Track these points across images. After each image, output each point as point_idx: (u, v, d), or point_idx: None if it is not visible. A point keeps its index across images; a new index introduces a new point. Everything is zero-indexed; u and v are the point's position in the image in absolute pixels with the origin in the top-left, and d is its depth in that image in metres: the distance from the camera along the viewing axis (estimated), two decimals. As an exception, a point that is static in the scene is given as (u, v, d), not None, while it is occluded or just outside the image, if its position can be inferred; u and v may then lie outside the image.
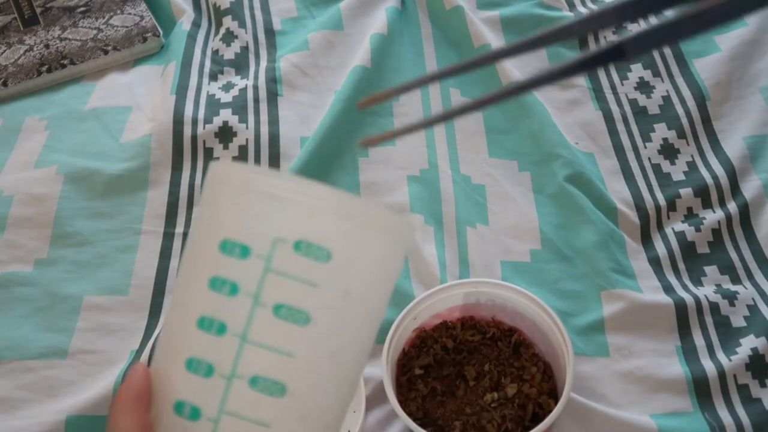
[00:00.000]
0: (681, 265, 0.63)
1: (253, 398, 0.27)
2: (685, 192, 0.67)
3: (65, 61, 0.79)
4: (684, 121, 0.72)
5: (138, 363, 0.40)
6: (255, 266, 0.27)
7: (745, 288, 0.61)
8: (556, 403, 0.50)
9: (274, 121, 0.73)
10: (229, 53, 0.80)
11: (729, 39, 0.77)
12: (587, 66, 0.27)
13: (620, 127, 0.73)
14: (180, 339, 0.29)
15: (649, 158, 0.71)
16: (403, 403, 0.52)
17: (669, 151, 0.70)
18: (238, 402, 0.27)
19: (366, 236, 0.28)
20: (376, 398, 0.54)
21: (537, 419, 0.51)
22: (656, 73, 0.77)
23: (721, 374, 0.56)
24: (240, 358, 0.27)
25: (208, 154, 0.70)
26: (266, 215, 0.27)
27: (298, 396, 0.28)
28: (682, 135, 0.71)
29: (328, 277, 0.27)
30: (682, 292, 0.61)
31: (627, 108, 0.75)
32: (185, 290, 0.29)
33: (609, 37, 0.82)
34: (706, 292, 0.61)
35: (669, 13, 0.26)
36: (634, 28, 0.81)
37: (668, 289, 0.61)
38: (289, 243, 0.27)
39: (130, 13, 0.84)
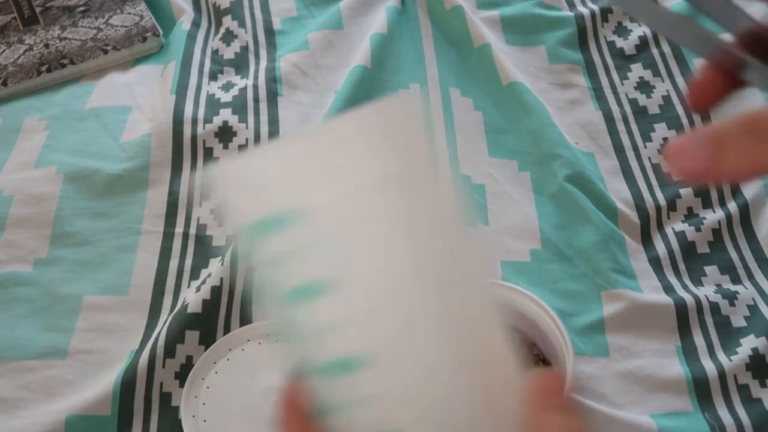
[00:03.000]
0: (681, 265, 0.63)
1: None
2: (686, 192, 0.67)
3: (65, 61, 0.79)
4: (684, 120, 0.72)
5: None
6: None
7: (746, 288, 0.61)
8: None
9: (274, 121, 0.73)
10: (228, 53, 0.80)
11: (729, 38, 0.77)
12: None
13: (620, 126, 0.73)
14: None
15: (650, 158, 0.71)
16: None
17: (669, 151, 0.70)
18: None
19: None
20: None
21: None
22: (656, 73, 0.77)
23: (722, 374, 0.56)
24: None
25: (208, 154, 0.70)
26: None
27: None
28: (682, 135, 0.71)
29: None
30: (682, 292, 0.61)
31: (627, 108, 0.75)
32: None
33: (609, 37, 0.82)
34: (707, 292, 0.61)
35: None
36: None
37: (668, 289, 0.61)
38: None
39: (129, 13, 0.84)
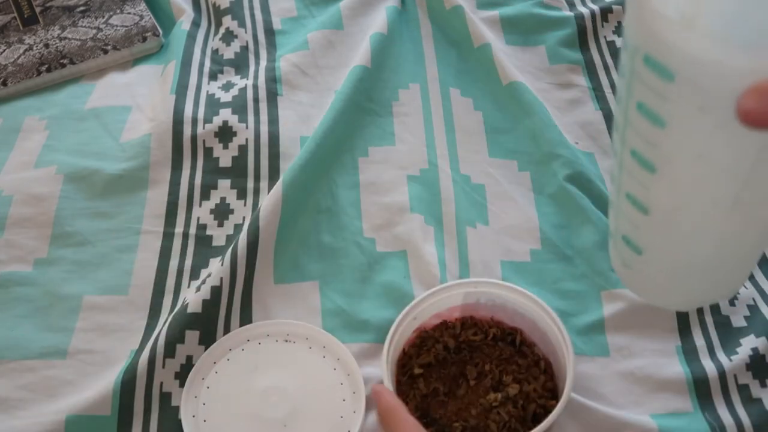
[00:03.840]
0: (681, 265, 0.63)
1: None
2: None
3: (65, 61, 0.79)
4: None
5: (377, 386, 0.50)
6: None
7: (746, 288, 0.61)
8: (557, 403, 0.50)
9: (274, 121, 0.73)
10: (228, 53, 0.80)
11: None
12: None
13: (620, 126, 0.73)
14: None
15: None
16: (403, 402, 0.52)
17: (669, 151, 0.70)
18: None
19: None
20: (376, 398, 0.54)
21: (538, 419, 0.51)
22: (656, 73, 0.77)
23: (722, 374, 0.56)
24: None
25: (208, 154, 0.70)
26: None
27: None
28: (682, 135, 0.71)
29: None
30: (682, 292, 0.61)
31: (627, 108, 0.75)
32: None
33: (609, 37, 0.82)
34: (707, 292, 0.61)
35: None
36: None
37: (668, 288, 0.61)
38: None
39: (129, 13, 0.84)
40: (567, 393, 0.49)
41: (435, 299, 0.56)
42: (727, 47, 0.27)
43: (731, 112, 0.27)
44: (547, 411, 0.51)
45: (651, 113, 0.30)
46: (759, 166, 0.29)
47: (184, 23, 0.82)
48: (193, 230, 0.65)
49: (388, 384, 0.51)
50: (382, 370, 0.52)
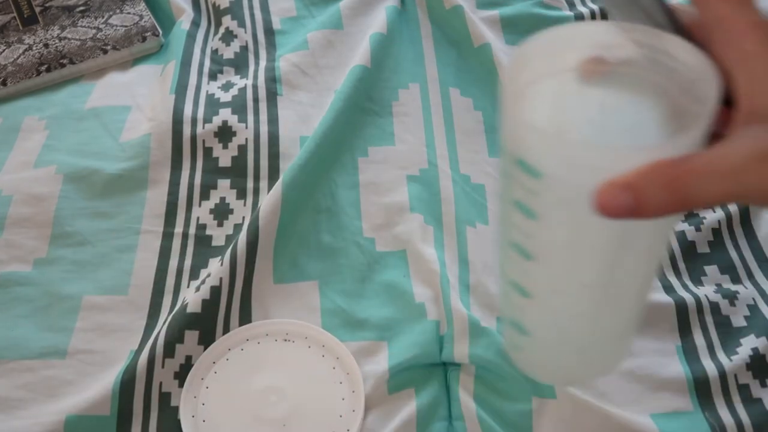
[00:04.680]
0: (681, 265, 0.63)
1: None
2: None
3: (64, 61, 0.79)
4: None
5: None
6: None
7: (746, 288, 0.61)
8: None
9: (273, 121, 0.73)
10: (228, 53, 0.80)
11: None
12: None
13: (620, 126, 0.73)
14: None
15: (650, 158, 0.71)
16: None
17: (669, 151, 0.70)
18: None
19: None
20: (375, 398, 0.54)
21: None
22: (656, 73, 0.77)
23: (722, 374, 0.56)
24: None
25: (208, 154, 0.70)
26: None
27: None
28: (682, 134, 0.71)
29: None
30: (682, 292, 0.61)
31: (627, 107, 0.75)
32: None
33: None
34: (707, 291, 0.61)
35: None
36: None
37: (668, 288, 0.61)
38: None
39: (129, 13, 0.84)
40: None
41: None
42: (584, 150, 0.31)
43: (592, 204, 0.31)
44: None
45: (525, 208, 0.35)
46: (621, 252, 0.33)
47: (184, 23, 0.82)
48: (192, 230, 0.65)
49: None
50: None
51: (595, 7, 0.84)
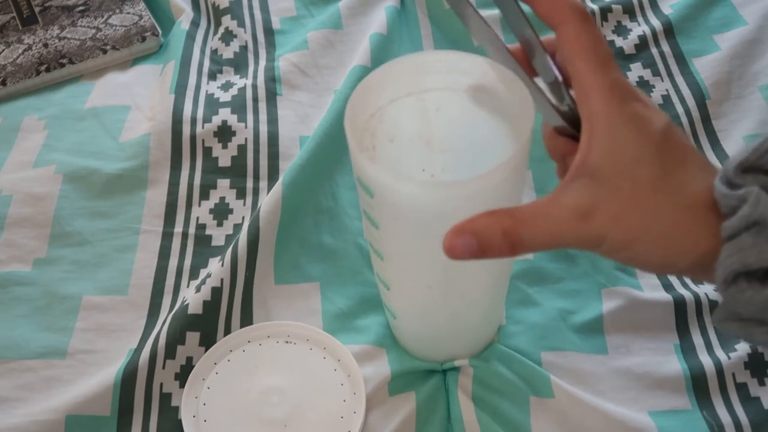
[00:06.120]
0: (680, 264, 0.63)
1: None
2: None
3: (64, 61, 0.79)
4: (684, 120, 0.72)
5: None
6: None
7: (745, 287, 0.61)
8: None
9: (273, 121, 0.73)
10: (228, 52, 0.80)
11: (728, 38, 0.77)
12: None
13: (619, 126, 0.73)
14: None
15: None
16: None
17: (668, 150, 0.71)
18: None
19: None
20: (376, 398, 0.54)
21: None
22: (656, 73, 0.77)
23: (720, 372, 0.56)
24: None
25: (207, 154, 0.70)
26: None
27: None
28: (681, 134, 0.71)
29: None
30: (681, 290, 0.61)
31: (626, 107, 0.75)
32: None
33: (608, 37, 0.82)
34: (706, 290, 0.61)
35: None
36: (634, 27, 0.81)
37: (668, 286, 0.61)
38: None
39: (128, 13, 0.84)
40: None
41: None
42: (395, 181, 0.37)
43: (414, 223, 0.38)
44: None
45: (370, 217, 0.42)
46: (453, 261, 0.36)
47: (183, 23, 0.82)
48: (192, 230, 0.65)
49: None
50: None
51: (594, 6, 0.84)
